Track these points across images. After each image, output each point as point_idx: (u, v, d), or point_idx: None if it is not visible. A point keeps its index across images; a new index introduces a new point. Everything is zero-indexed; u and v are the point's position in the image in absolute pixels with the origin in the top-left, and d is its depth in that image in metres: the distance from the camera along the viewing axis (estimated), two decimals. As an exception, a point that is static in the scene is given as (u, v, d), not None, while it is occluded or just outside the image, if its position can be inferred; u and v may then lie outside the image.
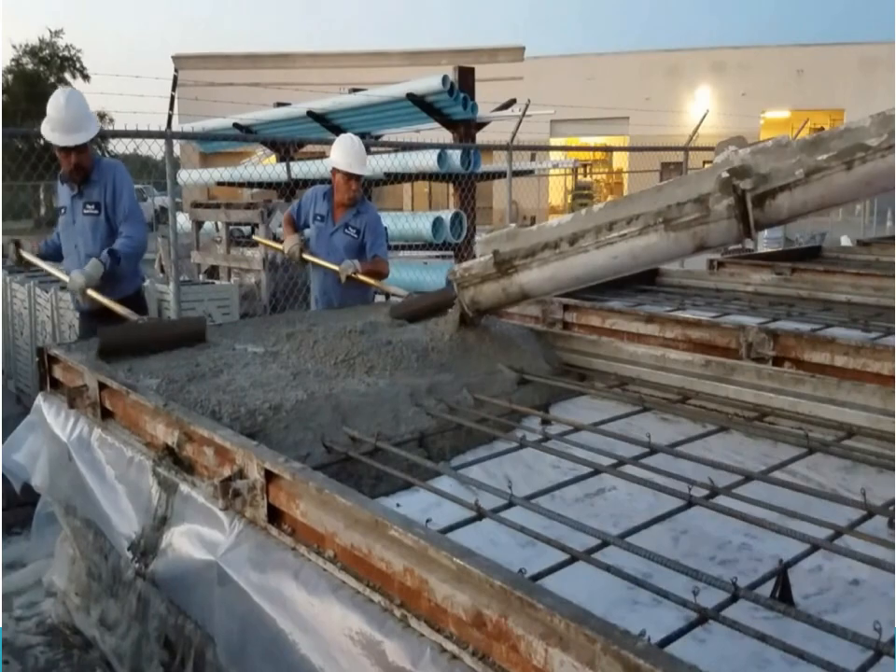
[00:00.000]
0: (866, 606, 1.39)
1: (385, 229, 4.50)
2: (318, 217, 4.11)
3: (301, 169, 7.66)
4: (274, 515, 1.74)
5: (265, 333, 3.09)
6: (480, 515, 1.62)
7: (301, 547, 1.65)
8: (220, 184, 8.76)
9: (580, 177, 24.79)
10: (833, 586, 1.44)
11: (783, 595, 1.31)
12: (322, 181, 7.22)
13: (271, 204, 6.07)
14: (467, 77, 7.11)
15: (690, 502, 1.61)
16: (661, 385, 2.51)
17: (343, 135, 4.18)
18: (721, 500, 1.63)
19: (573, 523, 1.54)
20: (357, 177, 4.00)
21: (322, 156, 8.15)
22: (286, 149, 7.73)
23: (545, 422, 2.30)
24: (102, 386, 2.44)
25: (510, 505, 1.66)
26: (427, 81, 6.86)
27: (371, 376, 2.48)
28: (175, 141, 5.09)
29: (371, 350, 2.63)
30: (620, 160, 26.45)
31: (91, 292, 3.49)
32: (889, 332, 3.09)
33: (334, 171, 4.05)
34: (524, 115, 6.34)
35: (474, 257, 2.78)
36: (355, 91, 8.36)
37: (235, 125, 8.85)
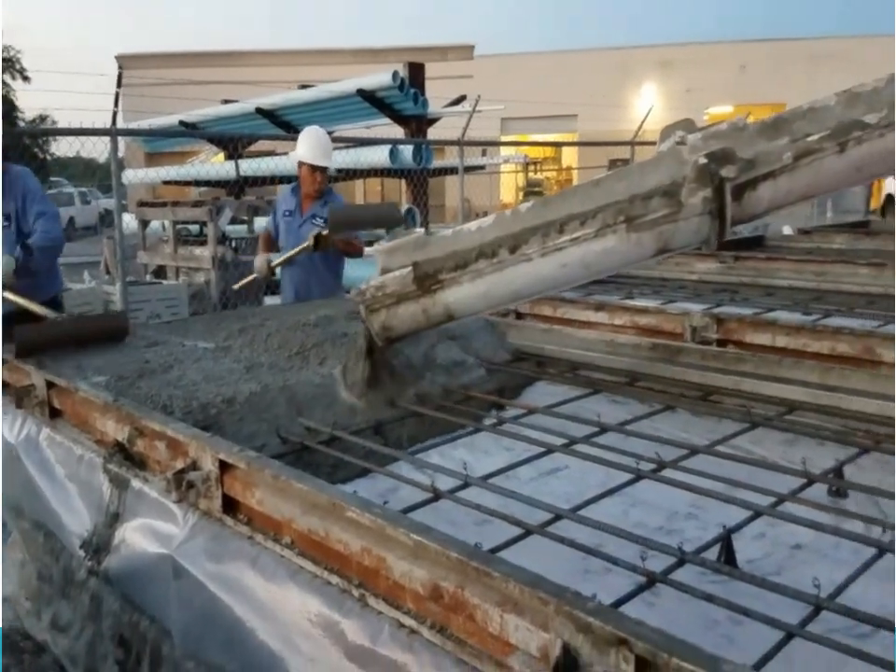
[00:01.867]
0: (808, 568, 1.44)
1: None
2: (287, 213, 4.18)
3: (249, 166, 7.58)
4: (230, 505, 1.73)
5: (216, 329, 3.06)
6: (436, 496, 1.64)
7: (257, 535, 1.65)
8: (167, 183, 8.61)
9: (530, 175, 25.06)
10: (775, 551, 1.49)
11: (728, 560, 1.36)
12: (272, 178, 7.17)
13: (219, 202, 6.00)
14: (417, 73, 7.14)
15: (638, 476, 1.66)
16: (611, 369, 2.57)
17: (307, 128, 4.26)
18: (669, 473, 1.68)
19: (527, 499, 1.57)
20: (323, 169, 4.07)
21: (271, 153, 8.07)
22: (234, 147, 7.63)
23: (500, 407, 2.33)
24: (50, 385, 2.39)
25: (465, 486, 1.69)
26: (378, 77, 6.87)
27: (325, 367, 2.48)
28: (120, 140, 5.00)
29: (325, 342, 2.63)
30: (569, 157, 26.76)
31: (7, 294, 3.39)
32: (828, 314, 3.22)
33: (300, 164, 4.09)
34: (474, 110, 6.39)
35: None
36: (304, 87, 8.30)
37: (182, 123, 8.70)
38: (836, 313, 3.27)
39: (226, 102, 9.21)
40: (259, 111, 8.16)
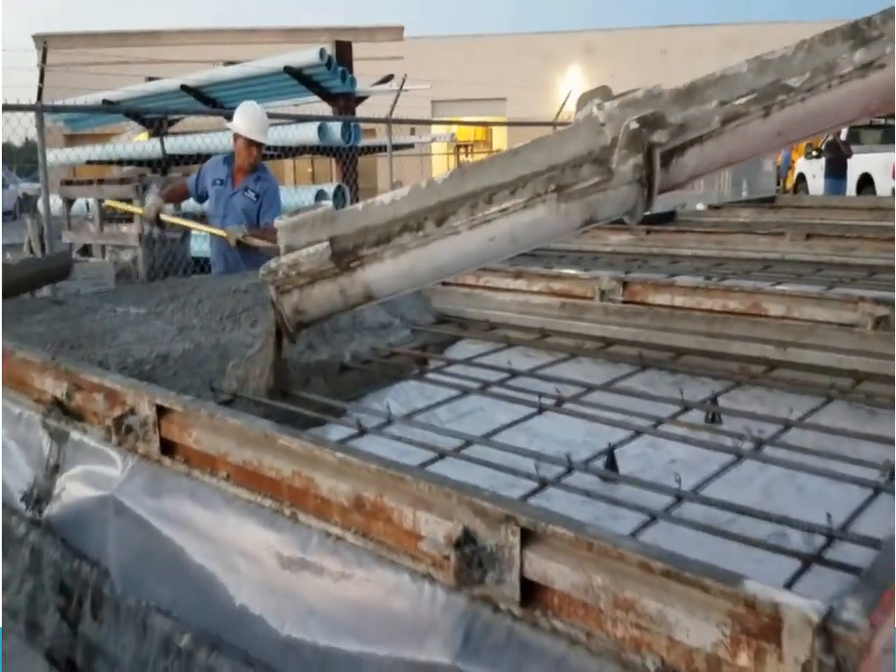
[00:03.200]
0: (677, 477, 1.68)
1: None
2: (218, 181, 4.28)
3: (175, 144, 7.53)
4: (167, 448, 1.86)
5: (147, 297, 3.15)
6: (361, 432, 1.81)
7: (195, 472, 1.78)
8: (90, 163, 8.44)
9: (461, 158, 25.31)
10: (653, 466, 1.72)
11: (610, 469, 1.58)
12: (198, 156, 7.15)
13: (146, 179, 5.98)
14: (344, 51, 7.21)
15: (540, 409, 1.87)
16: (524, 327, 2.78)
17: (245, 102, 4.40)
18: (568, 406, 1.90)
19: (442, 430, 1.76)
20: (258, 144, 4.18)
21: (197, 132, 8.01)
22: (159, 124, 7.56)
23: (423, 361, 2.52)
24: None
25: (388, 423, 1.87)
26: (305, 54, 6.92)
27: (257, 329, 2.60)
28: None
29: (256, 306, 2.76)
30: (499, 140, 27.07)
31: None
32: (725, 278, 3.51)
33: (236, 136, 4.21)
34: (401, 88, 6.52)
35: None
36: (230, 64, 8.26)
37: (105, 101, 8.54)
38: (733, 276, 3.58)
39: (150, 79, 9.06)
40: (185, 88, 8.07)
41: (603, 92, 1.88)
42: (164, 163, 7.04)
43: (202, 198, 4.36)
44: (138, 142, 8.45)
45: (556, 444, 1.85)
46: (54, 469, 2.15)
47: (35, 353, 2.26)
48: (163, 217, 4.22)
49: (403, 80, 6.59)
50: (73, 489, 2.06)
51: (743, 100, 1.77)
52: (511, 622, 1.17)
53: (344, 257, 1.97)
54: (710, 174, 1.98)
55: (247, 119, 4.19)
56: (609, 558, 1.06)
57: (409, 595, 1.31)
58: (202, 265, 5.66)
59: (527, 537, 1.15)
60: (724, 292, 2.88)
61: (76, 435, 2.09)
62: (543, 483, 1.46)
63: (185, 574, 1.72)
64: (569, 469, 1.51)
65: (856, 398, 1.97)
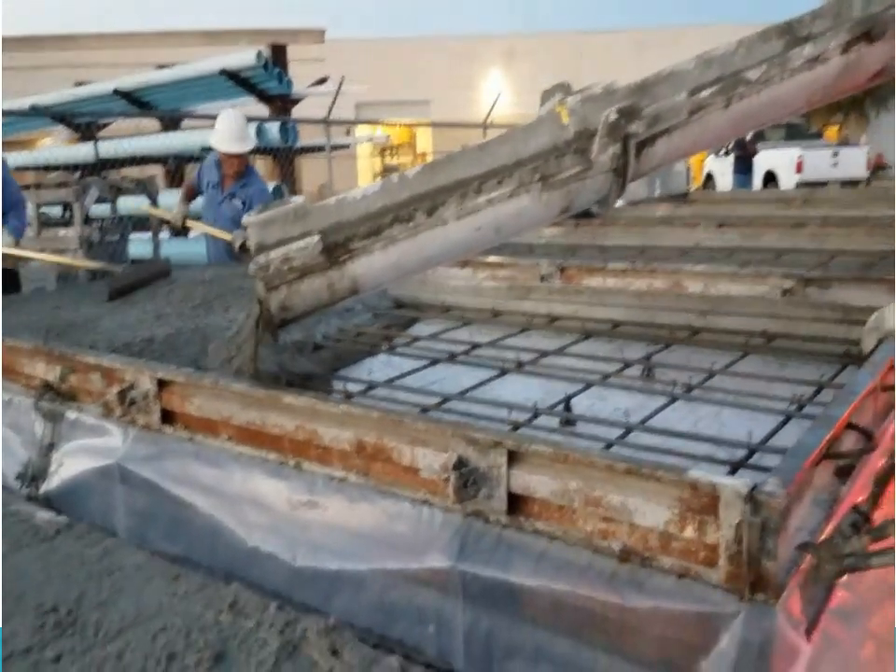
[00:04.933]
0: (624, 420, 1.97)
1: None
2: (211, 185, 4.36)
3: (108, 148, 7.50)
4: (168, 418, 2.03)
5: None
6: (349, 396, 2.04)
7: (197, 437, 1.96)
8: (19, 169, 8.29)
9: (387, 160, 25.54)
10: (603, 412, 2.01)
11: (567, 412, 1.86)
12: (132, 158, 7.15)
13: (85, 182, 5.97)
14: (280, 53, 7.34)
15: (503, 372, 2.14)
16: (477, 308, 3.06)
17: (222, 112, 4.40)
18: (527, 369, 2.17)
19: (420, 391, 2.01)
20: (238, 154, 4.23)
21: (129, 136, 7.99)
22: (87, 128, 7.52)
23: (389, 339, 2.75)
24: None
25: (371, 388, 2.10)
26: (242, 56, 7.02)
27: (230, 314, 2.79)
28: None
29: (226, 294, 2.94)
30: (424, 143, 27.38)
31: None
32: (648, 262, 3.88)
33: None
34: (339, 90, 6.70)
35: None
36: (162, 68, 8.24)
37: (34, 107, 8.39)
38: (656, 261, 3.94)
39: (79, 84, 8.92)
40: (118, 92, 8.01)
41: (564, 89, 1.94)
42: (97, 168, 7.00)
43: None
44: (69, 147, 8.32)
45: (519, 400, 2.13)
46: (49, 448, 2.28)
47: (25, 340, 2.38)
48: (188, 222, 4.35)
49: (341, 83, 6.78)
50: (71, 464, 2.20)
51: (708, 91, 1.85)
52: (499, 529, 1.42)
53: (336, 250, 1.94)
54: (671, 163, 2.12)
55: (221, 131, 4.27)
56: (581, 466, 1.33)
57: (409, 519, 1.54)
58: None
59: (513, 458, 1.41)
60: (650, 273, 3.22)
61: (71, 414, 2.23)
62: (516, 426, 1.72)
63: (199, 525, 1.88)
64: (536, 415, 1.78)
65: (768, 351, 2.32)
